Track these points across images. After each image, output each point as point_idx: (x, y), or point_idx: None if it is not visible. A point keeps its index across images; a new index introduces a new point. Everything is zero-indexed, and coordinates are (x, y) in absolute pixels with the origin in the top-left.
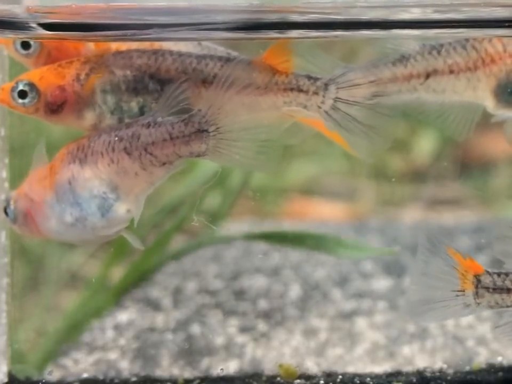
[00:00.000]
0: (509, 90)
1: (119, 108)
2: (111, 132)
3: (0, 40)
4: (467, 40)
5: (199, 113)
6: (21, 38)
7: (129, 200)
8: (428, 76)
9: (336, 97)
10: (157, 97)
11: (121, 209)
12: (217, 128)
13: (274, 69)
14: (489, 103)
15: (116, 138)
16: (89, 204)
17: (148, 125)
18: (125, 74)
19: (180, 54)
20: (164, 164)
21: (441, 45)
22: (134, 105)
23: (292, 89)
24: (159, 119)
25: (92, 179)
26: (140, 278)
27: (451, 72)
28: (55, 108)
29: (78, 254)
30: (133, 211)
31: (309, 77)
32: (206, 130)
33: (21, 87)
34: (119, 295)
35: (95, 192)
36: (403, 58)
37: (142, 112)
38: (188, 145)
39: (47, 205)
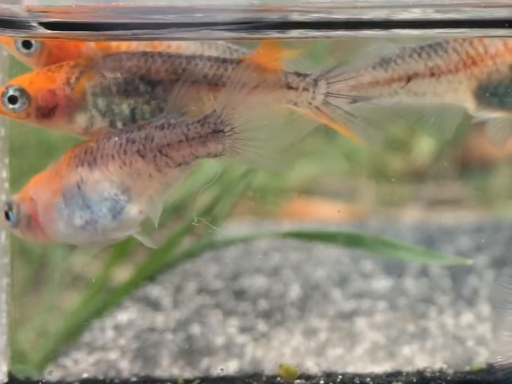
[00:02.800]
0: (489, 91)
1: (111, 110)
2: (122, 134)
3: (1, 39)
4: (448, 42)
5: (214, 114)
6: (21, 37)
7: (142, 201)
8: (409, 79)
9: (327, 92)
10: (148, 99)
11: (133, 210)
12: (232, 128)
13: (263, 68)
14: (469, 105)
15: (128, 140)
16: (100, 206)
17: (162, 127)
18: (115, 77)
19: (170, 55)
20: (180, 164)
21: (422, 48)
22: (125, 107)
23: (281, 87)
24: (173, 121)
25: (102, 181)
26: (147, 280)
27: (432, 75)
28: (46, 113)
29: (79, 254)
30: (146, 212)
31: (298, 74)
32: (222, 131)
33: (11, 92)
34: (123, 297)
35: (106, 194)
36: (383, 62)
37: (133, 114)
38: (205, 145)
39: (54, 208)
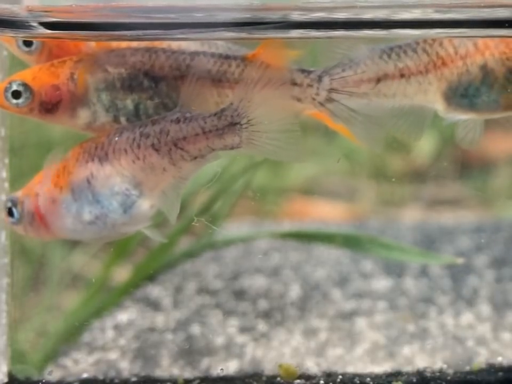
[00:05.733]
0: (459, 93)
1: (114, 106)
2: (135, 129)
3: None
4: (417, 43)
5: (231, 107)
6: (22, 37)
7: (154, 195)
8: (378, 80)
9: (331, 88)
10: (152, 94)
11: (144, 205)
12: (249, 120)
13: (267, 64)
14: (439, 106)
15: (142, 135)
16: (111, 201)
17: (178, 120)
18: (119, 72)
19: (173, 51)
20: (195, 158)
21: (391, 49)
22: (129, 103)
23: (286, 83)
24: (188, 115)
25: (113, 176)
26: (145, 279)
27: (402, 76)
28: (49, 108)
29: (79, 254)
30: (157, 207)
31: (302, 70)
32: (239, 123)
33: (14, 87)
34: (122, 296)
35: (117, 189)
36: (353, 63)
37: (137, 109)
38: (222, 138)
39: (62, 204)
